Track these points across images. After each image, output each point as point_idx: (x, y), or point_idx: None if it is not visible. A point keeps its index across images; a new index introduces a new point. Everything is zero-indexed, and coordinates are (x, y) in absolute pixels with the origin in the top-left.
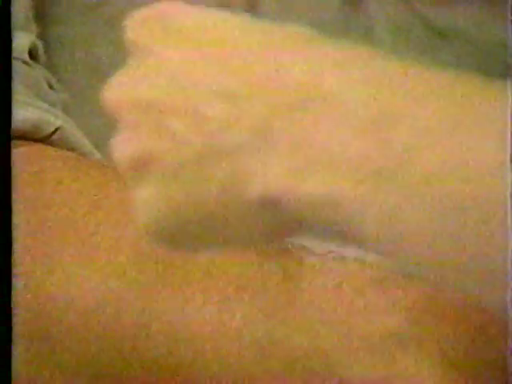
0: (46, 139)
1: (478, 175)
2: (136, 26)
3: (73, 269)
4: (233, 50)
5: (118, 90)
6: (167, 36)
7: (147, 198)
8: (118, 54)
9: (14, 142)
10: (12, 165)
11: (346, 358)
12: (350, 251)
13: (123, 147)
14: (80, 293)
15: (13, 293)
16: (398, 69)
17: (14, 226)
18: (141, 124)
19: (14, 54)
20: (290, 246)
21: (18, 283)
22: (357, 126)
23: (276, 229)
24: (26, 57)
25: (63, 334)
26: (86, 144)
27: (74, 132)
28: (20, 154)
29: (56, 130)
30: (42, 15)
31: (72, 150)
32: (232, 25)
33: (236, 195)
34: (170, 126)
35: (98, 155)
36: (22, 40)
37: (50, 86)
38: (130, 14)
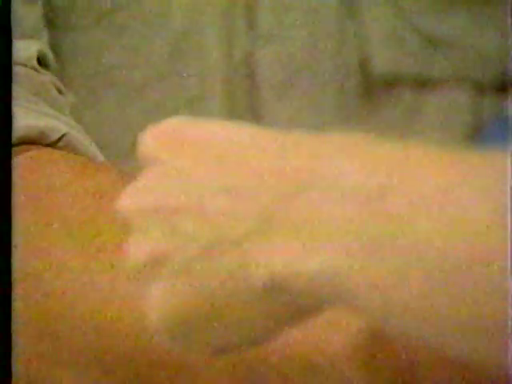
0: (52, 145)
1: (473, 238)
2: (149, 141)
3: (77, 268)
4: (236, 153)
5: (131, 199)
6: (177, 148)
7: (159, 298)
8: (128, 61)
9: (22, 147)
10: (19, 167)
11: None
12: None
13: (136, 250)
14: (84, 291)
15: (13, 291)
16: (391, 148)
17: (17, 228)
18: (152, 227)
19: (23, 60)
20: None
21: (18, 281)
22: (351, 203)
23: (281, 318)
24: (35, 63)
25: (66, 331)
26: (91, 149)
27: (79, 137)
28: (28, 157)
29: (62, 136)
30: (53, 23)
31: (78, 154)
32: (236, 133)
33: (243, 283)
34: (178, 226)
35: (102, 159)
36: (30, 47)
37: (60, 91)
38: (145, 130)
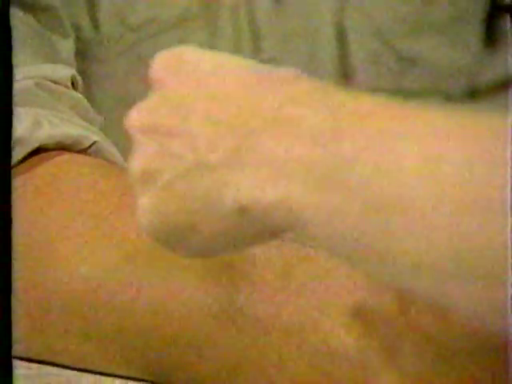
0: (84, 151)
1: (403, 183)
2: (157, 66)
3: (98, 254)
4: (225, 86)
5: (133, 117)
6: (178, 75)
7: (147, 206)
8: (149, 90)
9: (58, 151)
10: (54, 169)
11: None
12: None
13: (133, 163)
14: (108, 276)
15: (13, 275)
16: (348, 97)
17: (48, 222)
18: (148, 144)
19: (58, 79)
20: None
21: (18, 268)
22: (309, 143)
23: (250, 235)
24: (69, 84)
25: (88, 309)
26: (117, 156)
27: (107, 146)
28: (63, 160)
29: (93, 144)
30: (82, 54)
31: (106, 160)
32: (231, 66)
33: (215, 205)
34: (169, 146)
35: (126, 165)
36: (64, 71)
37: (89, 111)
38: (155, 56)
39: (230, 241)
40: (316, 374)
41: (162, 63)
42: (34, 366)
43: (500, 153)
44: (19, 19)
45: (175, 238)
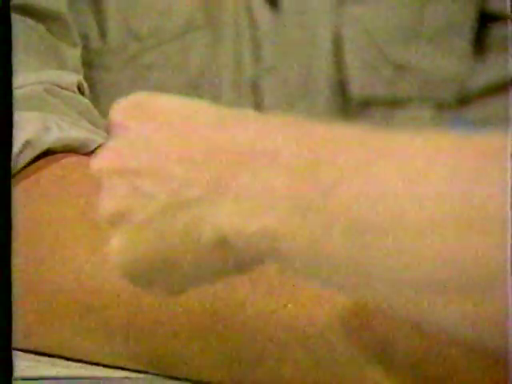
0: (90, 154)
1: (386, 203)
2: (119, 111)
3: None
4: (192, 126)
5: (100, 160)
6: (141, 118)
7: (119, 247)
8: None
9: (65, 154)
10: (61, 171)
11: None
12: None
13: (103, 205)
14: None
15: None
16: (322, 128)
17: (54, 219)
18: (117, 186)
19: (65, 85)
20: None
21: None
22: (287, 174)
23: (231, 266)
24: (75, 89)
25: (72, 301)
26: None
27: None
28: (69, 162)
29: (99, 146)
30: (89, 63)
31: None
32: (193, 109)
33: (194, 239)
34: (141, 186)
35: None
36: (71, 77)
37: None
38: (116, 102)
39: (210, 273)
40: (313, 367)
41: (123, 107)
42: (45, 359)
43: (483, 169)
44: (30, 28)
45: (152, 276)
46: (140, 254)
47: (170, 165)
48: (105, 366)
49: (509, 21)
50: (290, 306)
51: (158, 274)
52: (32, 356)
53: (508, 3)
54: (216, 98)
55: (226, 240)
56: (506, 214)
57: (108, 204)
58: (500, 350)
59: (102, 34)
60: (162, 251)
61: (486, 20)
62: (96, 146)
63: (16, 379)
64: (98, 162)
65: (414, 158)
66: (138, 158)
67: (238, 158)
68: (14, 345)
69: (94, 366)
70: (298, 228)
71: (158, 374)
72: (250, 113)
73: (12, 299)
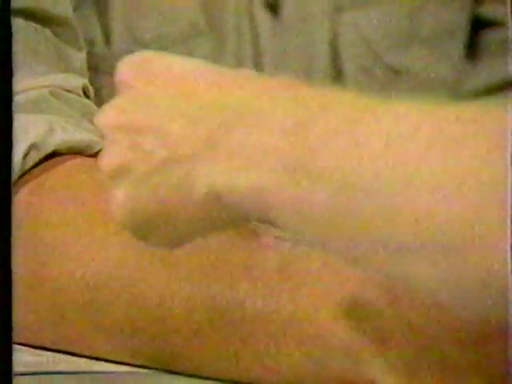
0: (95, 156)
1: (369, 160)
2: (124, 69)
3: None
4: (192, 85)
5: (105, 116)
6: (146, 77)
7: (122, 198)
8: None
9: (70, 155)
10: (67, 171)
11: None
12: None
13: (105, 159)
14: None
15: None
16: (313, 90)
17: (59, 219)
18: (119, 141)
19: (70, 88)
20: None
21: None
22: (278, 133)
23: (222, 221)
24: (80, 93)
25: (77, 298)
26: None
27: None
28: (75, 163)
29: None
30: (95, 67)
31: None
32: (194, 68)
33: (189, 193)
34: (141, 142)
35: None
36: (77, 80)
37: None
38: (122, 60)
39: (202, 228)
40: (311, 364)
41: (128, 66)
42: (48, 353)
43: (465, 136)
44: (37, 32)
45: (149, 228)
46: (138, 207)
47: (168, 122)
48: (108, 361)
49: (509, 25)
50: (287, 305)
51: (154, 226)
52: (38, 351)
53: (503, 9)
54: None
55: (218, 195)
56: (485, 178)
57: (110, 159)
58: (486, 314)
59: (107, 39)
60: (158, 205)
61: (479, 25)
62: (100, 147)
63: (16, 375)
64: (102, 119)
65: (399, 121)
66: (140, 114)
67: (232, 116)
68: (19, 340)
69: (97, 362)
70: (286, 185)
71: (159, 369)
72: (248, 72)
73: (13, 295)
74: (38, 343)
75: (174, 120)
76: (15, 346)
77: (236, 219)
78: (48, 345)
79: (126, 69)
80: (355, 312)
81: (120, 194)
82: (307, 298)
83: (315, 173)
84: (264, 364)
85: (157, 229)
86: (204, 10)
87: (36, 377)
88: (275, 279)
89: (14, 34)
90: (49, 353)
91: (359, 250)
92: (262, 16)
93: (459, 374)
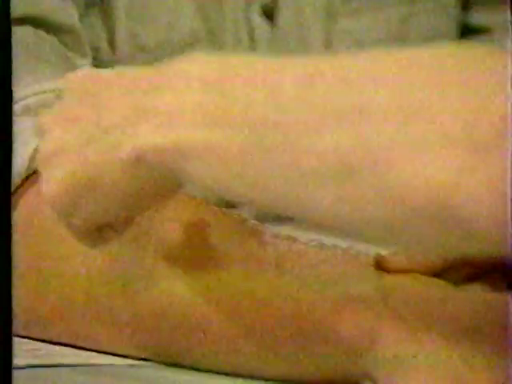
0: None
1: (282, 101)
2: (66, 81)
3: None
4: (120, 76)
5: (45, 114)
6: (83, 84)
7: (55, 177)
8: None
9: None
10: None
11: None
12: (328, 240)
13: (45, 146)
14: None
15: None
16: (241, 56)
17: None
18: (56, 129)
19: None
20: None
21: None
22: (198, 91)
23: (147, 188)
24: None
25: (84, 294)
26: None
27: None
28: None
29: None
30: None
31: None
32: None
33: (114, 157)
34: (74, 124)
35: None
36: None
37: None
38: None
39: (128, 197)
40: (308, 356)
41: (71, 78)
42: (56, 347)
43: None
44: (44, 39)
45: (76, 202)
46: (66, 185)
47: (100, 95)
48: (113, 354)
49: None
50: (284, 299)
51: (80, 197)
52: (44, 345)
53: (491, 17)
54: None
55: (142, 155)
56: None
57: (47, 145)
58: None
59: (112, 46)
60: (85, 175)
61: (466, 32)
62: None
63: (15, 368)
64: (43, 116)
65: (307, 67)
66: (75, 108)
67: (157, 80)
68: (30, 335)
69: (102, 355)
70: (203, 137)
71: (162, 363)
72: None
73: (20, 292)
74: (45, 337)
75: (106, 91)
76: (17, 340)
77: (161, 179)
78: (55, 339)
79: (68, 80)
80: (350, 306)
81: (55, 173)
82: (304, 293)
83: (231, 122)
84: (263, 357)
85: (84, 201)
86: (204, 18)
87: (36, 370)
88: (273, 275)
89: (22, 41)
90: (56, 347)
91: (269, 182)
92: (259, 23)
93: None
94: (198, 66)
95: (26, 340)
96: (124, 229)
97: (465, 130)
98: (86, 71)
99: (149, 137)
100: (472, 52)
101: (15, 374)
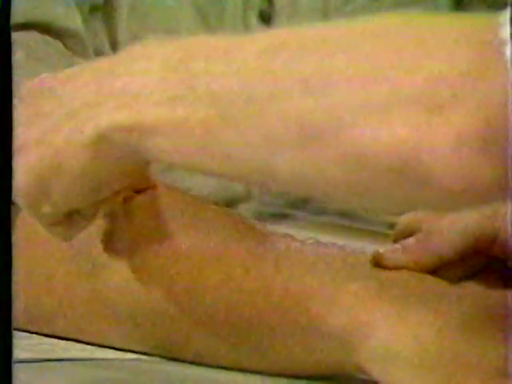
0: None
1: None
2: (25, 88)
3: None
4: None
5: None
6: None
7: (24, 165)
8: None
9: None
10: None
11: None
12: (325, 238)
13: (16, 141)
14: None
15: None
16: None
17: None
18: (23, 132)
19: None
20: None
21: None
22: (161, 69)
23: (110, 169)
24: None
25: (87, 291)
26: None
27: None
28: None
29: None
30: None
31: None
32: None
33: (78, 139)
34: (42, 112)
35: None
36: None
37: None
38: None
39: (94, 178)
40: (304, 349)
41: (30, 83)
42: (61, 342)
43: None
44: (50, 44)
45: (44, 190)
46: (34, 174)
47: (58, 89)
48: (116, 349)
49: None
50: (282, 295)
51: (45, 183)
52: (51, 340)
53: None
54: None
55: (104, 135)
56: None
57: (19, 137)
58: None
59: (114, 49)
60: (51, 162)
61: None
62: None
63: (16, 362)
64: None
65: (267, 39)
66: (37, 106)
67: (118, 62)
68: (38, 330)
69: (106, 349)
70: (164, 114)
71: (163, 357)
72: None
73: (25, 289)
74: (51, 332)
75: (65, 85)
76: (18, 334)
77: (125, 159)
78: (60, 333)
79: (27, 87)
80: (346, 301)
81: (23, 162)
82: (300, 289)
83: (193, 96)
84: (261, 349)
85: (52, 187)
86: (203, 22)
87: (36, 364)
88: (270, 272)
89: (29, 45)
90: (61, 342)
91: (234, 151)
92: (257, 27)
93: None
94: (156, 47)
95: (27, 334)
96: (93, 215)
97: (422, 90)
98: (41, 76)
99: (110, 116)
100: (425, 18)
101: (18, 367)
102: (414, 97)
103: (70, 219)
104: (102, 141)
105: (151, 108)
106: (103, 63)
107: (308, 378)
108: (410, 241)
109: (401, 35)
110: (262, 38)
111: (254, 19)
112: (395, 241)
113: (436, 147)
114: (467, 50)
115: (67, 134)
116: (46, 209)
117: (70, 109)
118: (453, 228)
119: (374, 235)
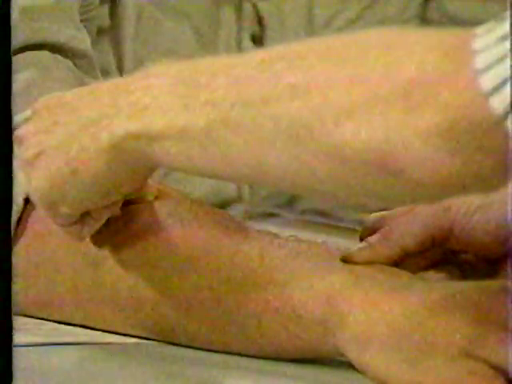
0: None
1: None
2: (33, 108)
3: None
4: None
5: (20, 128)
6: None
7: (37, 181)
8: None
9: None
10: None
11: None
12: (305, 235)
13: (23, 153)
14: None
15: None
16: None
17: None
18: (31, 141)
19: None
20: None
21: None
22: (170, 84)
23: (123, 172)
24: None
25: (91, 281)
26: None
27: None
28: None
29: None
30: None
31: None
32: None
33: (95, 150)
34: (58, 122)
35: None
36: None
37: None
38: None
39: (106, 183)
40: (288, 335)
41: (42, 100)
42: (67, 328)
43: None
44: (60, 62)
45: (61, 194)
46: (54, 179)
47: (75, 103)
48: (118, 333)
49: None
50: (267, 285)
51: (62, 188)
52: (56, 325)
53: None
54: None
55: (118, 143)
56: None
57: (24, 153)
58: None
59: (120, 69)
60: (70, 169)
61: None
62: None
63: (16, 346)
64: (20, 129)
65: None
66: (53, 118)
67: (132, 83)
68: (49, 317)
69: (109, 334)
70: (172, 121)
71: (160, 341)
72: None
73: (34, 280)
74: (59, 318)
75: (79, 100)
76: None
77: (135, 165)
78: (68, 320)
79: (34, 107)
80: (325, 290)
81: (39, 173)
82: (284, 279)
83: (197, 105)
84: (248, 335)
85: (70, 191)
86: (200, 43)
87: (36, 348)
88: (257, 264)
89: (42, 63)
90: (67, 327)
91: (232, 152)
92: (250, 48)
93: None
94: (167, 67)
95: (38, 320)
96: (102, 217)
97: (397, 93)
98: (51, 94)
99: (123, 126)
100: (401, 29)
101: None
102: (390, 98)
103: (82, 220)
104: (115, 148)
105: (159, 117)
106: (119, 81)
107: (293, 360)
108: (375, 237)
109: (379, 44)
110: (258, 54)
111: (246, 41)
112: (361, 239)
113: (408, 144)
114: (439, 56)
115: (84, 141)
116: (63, 210)
117: (86, 119)
118: (412, 221)
119: (350, 232)
